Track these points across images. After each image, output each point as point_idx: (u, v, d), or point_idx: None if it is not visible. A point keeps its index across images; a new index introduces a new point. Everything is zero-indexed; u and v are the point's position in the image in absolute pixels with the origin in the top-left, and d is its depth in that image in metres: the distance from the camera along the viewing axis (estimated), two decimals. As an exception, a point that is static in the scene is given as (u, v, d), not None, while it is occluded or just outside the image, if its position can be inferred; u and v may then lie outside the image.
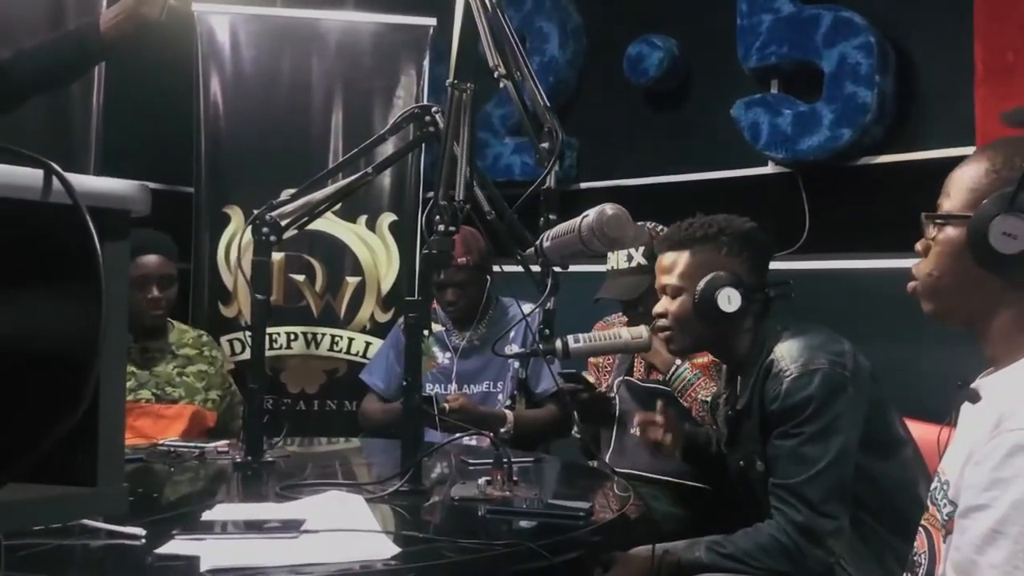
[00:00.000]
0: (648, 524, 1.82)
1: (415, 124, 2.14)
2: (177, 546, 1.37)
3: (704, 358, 2.44)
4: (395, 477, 1.83)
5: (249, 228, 2.16)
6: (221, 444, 2.26)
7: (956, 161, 1.26)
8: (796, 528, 1.76)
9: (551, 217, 1.74)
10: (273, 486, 1.89)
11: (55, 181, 0.68)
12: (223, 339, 3.39)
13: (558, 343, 1.82)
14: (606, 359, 2.69)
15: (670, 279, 1.99)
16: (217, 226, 3.51)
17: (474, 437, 2.49)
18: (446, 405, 2.63)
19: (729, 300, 1.89)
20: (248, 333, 2.22)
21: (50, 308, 0.73)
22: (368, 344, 3.49)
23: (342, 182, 2.28)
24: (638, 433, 2.48)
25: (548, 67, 3.65)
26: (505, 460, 1.78)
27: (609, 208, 1.55)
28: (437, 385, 2.88)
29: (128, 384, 2.62)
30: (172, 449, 2.24)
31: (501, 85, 1.84)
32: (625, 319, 2.59)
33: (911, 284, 1.28)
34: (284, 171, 3.24)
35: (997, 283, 1.17)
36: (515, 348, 2.46)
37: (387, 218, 3.57)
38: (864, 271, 2.94)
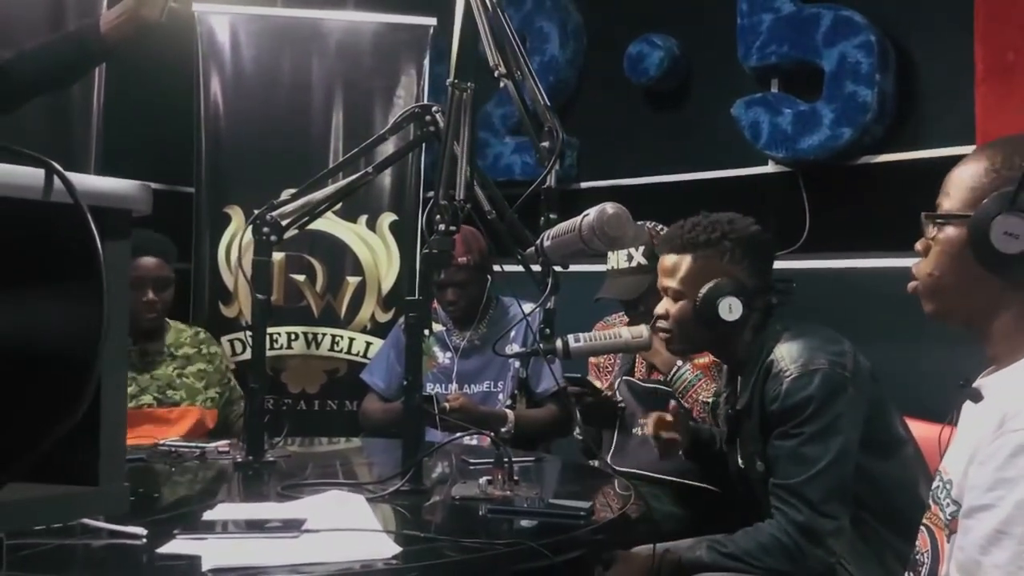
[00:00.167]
0: (649, 523, 1.82)
1: (415, 124, 2.14)
2: (178, 546, 1.37)
3: (705, 358, 2.44)
4: (396, 477, 1.83)
5: (250, 228, 2.16)
6: (222, 444, 2.26)
7: (956, 160, 1.26)
8: (797, 528, 1.76)
9: (551, 216, 1.75)
10: (274, 486, 1.89)
11: (56, 180, 0.68)
12: (224, 339, 3.39)
13: (558, 342, 1.82)
14: (607, 359, 2.69)
15: (672, 282, 1.98)
16: (218, 226, 3.51)
17: (475, 437, 2.49)
18: (447, 405, 2.63)
19: (730, 309, 1.89)
20: (249, 333, 2.22)
21: (51, 308, 0.74)
22: (369, 344, 3.49)
23: (342, 182, 2.28)
24: (640, 432, 2.48)
25: (548, 67, 3.65)
26: (506, 460, 1.78)
27: (610, 207, 1.55)
28: (438, 385, 2.88)
29: (129, 390, 2.62)
30: (173, 449, 2.24)
31: (501, 85, 1.84)
32: (626, 319, 2.59)
33: (911, 284, 1.28)
34: (284, 171, 3.24)
35: (998, 283, 1.17)
36: (516, 348, 2.46)
37: (387, 218, 3.57)
38: (864, 270, 2.94)
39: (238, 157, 3.52)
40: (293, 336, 3.49)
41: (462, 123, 1.81)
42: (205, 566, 1.27)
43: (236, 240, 3.45)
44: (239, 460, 2.12)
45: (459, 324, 2.94)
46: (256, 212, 2.15)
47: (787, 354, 1.84)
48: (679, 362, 2.40)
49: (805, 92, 3.04)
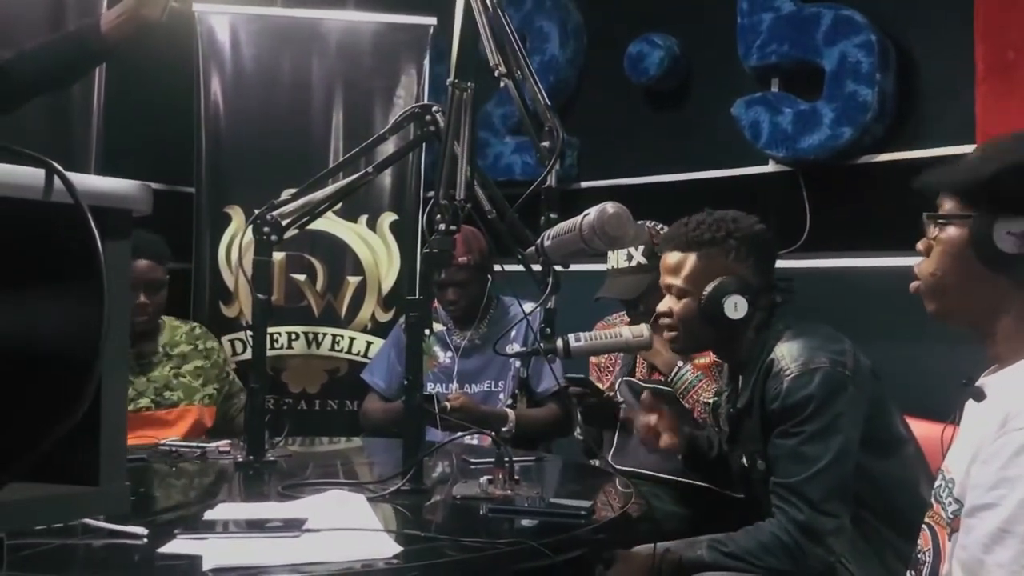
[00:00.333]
0: (649, 523, 1.83)
1: (415, 123, 2.14)
2: (179, 545, 1.37)
3: (706, 359, 2.44)
4: (397, 476, 1.83)
5: (250, 228, 2.16)
6: (223, 444, 2.26)
7: (957, 160, 1.26)
8: (797, 527, 1.76)
9: (552, 216, 1.75)
10: (275, 485, 1.89)
11: (57, 180, 0.68)
12: (224, 339, 3.39)
13: (559, 342, 1.82)
14: (607, 359, 2.69)
15: (676, 280, 1.98)
16: (218, 226, 3.51)
17: (475, 436, 2.49)
18: (447, 404, 2.63)
19: (736, 307, 1.89)
20: (249, 333, 2.22)
21: (52, 308, 0.73)
22: (369, 344, 3.49)
23: (343, 182, 2.28)
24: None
25: (548, 66, 3.65)
26: (506, 459, 1.78)
27: (610, 207, 1.55)
28: (438, 384, 2.88)
29: None
30: (174, 449, 2.24)
31: (502, 84, 1.84)
32: (628, 319, 2.59)
33: (914, 284, 1.28)
34: (285, 171, 3.24)
35: (1001, 282, 1.17)
36: (516, 347, 2.46)
37: (388, 218, 3.57)
38: (865, 269, 2.94)
39: (238, 157, 3.52)
40: (294, 336, 3.49)
41: (462, 123, 1.81)
42: (206, 566, 1.27)
43: (236, 240, 3.45)
44: (240, 460, 2.12)
45: (460, 324, 2.94)
46: (256, 212, 2.15)
47: (788, 353, 1.84)
48: (680, 362, 2.40)
49: (805, 91, 3.04)
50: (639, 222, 2.48)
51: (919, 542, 1.25)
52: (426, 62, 3.63)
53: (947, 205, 1.23)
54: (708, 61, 3.38)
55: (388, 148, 2.55)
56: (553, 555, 1.39)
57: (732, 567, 1.79)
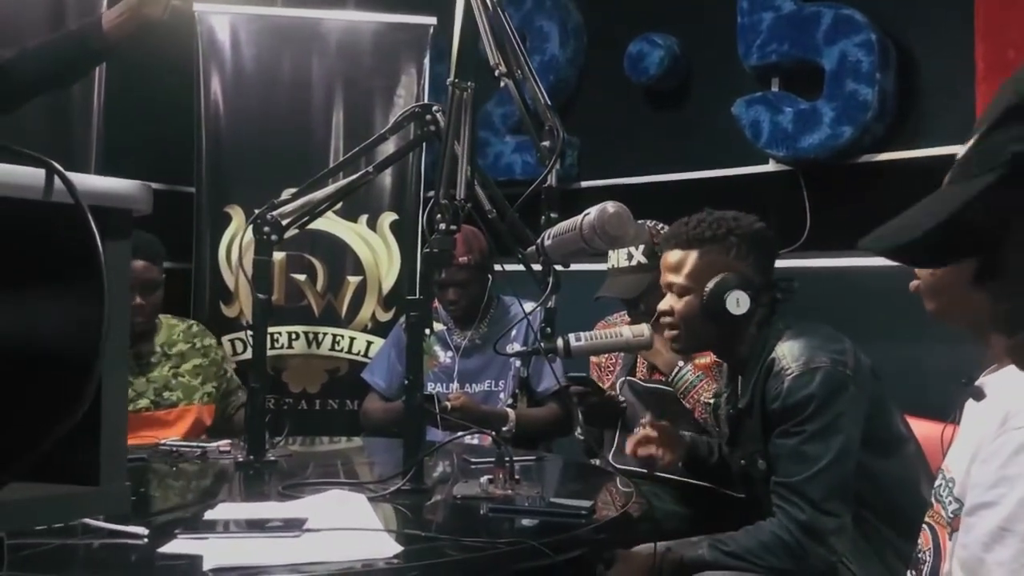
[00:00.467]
0: (650, 522, 1.83)
1: (416, 123, 2.14)
2: (180, 545, 1.37)
3: (706, 359, 2.44)
4: (397, 476, 1.83)
5: (250, 228, 2.16)
6: (223, 444, 2.26)
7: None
8: (798, 526, 1.76)
9: (552, 215, 1.75)
10: (275, 485, 1.89)
11: (57, 180, 0.68)
12: (224, 339, 3.39)
13: (559, 341, 1.82)
14: (608, 359, 2.69)
15: (677, 278, 1.98)
16: (218, 226, 3.51)
17: (476, 436, 2.49)
18: (448, 404, 2.63)
19: (738, 303, 1.89)
20: (249, 333, 2.22)
21: (52, 308, 0.73)
22: (369, 343, 3.49)
23: (343, 181, 2.28)
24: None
25: (548, 66, 3.65)
26: (507, 459, 1.78)
27: (611, 206, 1.55)
28: (439, 384, 2.88)
29: None
30: (174, 449, 2.24)
31: (502, 84, 1.84)
32: (628, 319, 2.59)
33: (913, 283, 1.28)
34: (285, 170, 3.24)
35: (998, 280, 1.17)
36: (517, 347, 2.46)
37: (388, 217, 3.57)
38: (865, 269, 2.93)
39: (238, 156, 3.52)
40: (294, 336, 3.49)
41: (463, 122, 1.81)
42: (206, 566, 1.27)
43: (237, 240, 3.44)
44: (240, 460, 2.12)
45: (460, 323, 2.94)
46: (257, 212, 2.16)
47: (788, 352, 1.84)
48: (680, 362, 2.40)
49: (806, 91, 3.04)
50: (639, 221, 2.48)
51: (919, 542, 1.25)
52: (426, 62, 3.63)
53: None
54: (708, 60, 3.38)
55: (388, 148, 2.55)
56: (553, 555, 1.39)
57: (733, 566, 1.79)
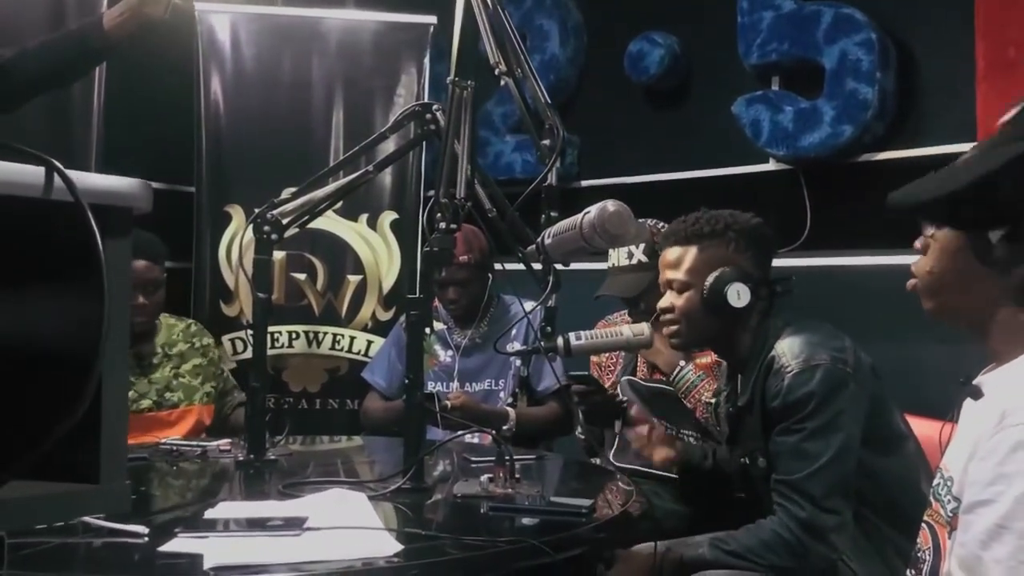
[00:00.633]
0: (650, 521, 1.83)
1: (416, 122, 2.14)
2: (180, 544, 1.37)
3: (707, 358, 2.44)
4: (397, 475, 1.83)
5: (250, 227, 2.16)
6: (223, 443, 2.26)
7: (958, 158, 1.26)
8: (799, 524, 1.76)
9: (552, 214, 1.74)
10: (275, 484, 1.89)
11: (56, 178, 0.68)
12: (225, 338, 3.39)
13: (559, 340, 1.82)
14: (608, 358, 2.69)
15: (676, 274, 1.98)
16: (218, 225, 3.51)
17: (476, 435, 2.49)
18: (448, 403, 2.63)
19: (739, 295, 1.89)
20: (250, 332, 2.22)
21: (52, 306, 0.73)
22: (370, 343, 3.50)
23: (343, 180, 2.28)
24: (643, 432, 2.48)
25: (549, 65, 3.65)
26: (507, 457, 1.78)
27: (611, 205, 1.55)
28: (439, 383, 2.88)
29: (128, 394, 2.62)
30: (174, 448, 2.24)
31: (502, 83, 1.84)
32: (629, 318, 2.59)
33: (911, 282, 1.28)
34: (285, 170, 3.24)
35: (997, 278, 1.17)
36: (517, 346, 2.46)
37: (388, 216, 3.57)
38: (865, 267, 2.94)
39: (239, 156, 3.52)
40: (294, 335, 3.49)
41: (463, 121, 1.81)
42: (207, 564, 1.27)
43: (237, 239, 3.45)
44: (240, 459, 2.12)
45: (460, 322, 2.94)
46: (257, 211, 2.16)
47: (788, 350, 1.84)
48: (682, 362, 2.40)
49: (806, 90, 3.04)
50: (640, 220, 2.48)
51: (919, 540, 1.25)
52: (426, 61, 3.63)
53: None
54: (708, 60, 3.38)
55: (388, 147, 2.55)
56: (554, 553, 1.39)
57: (734, 565, 1.79)
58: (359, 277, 3.54)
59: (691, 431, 2.44)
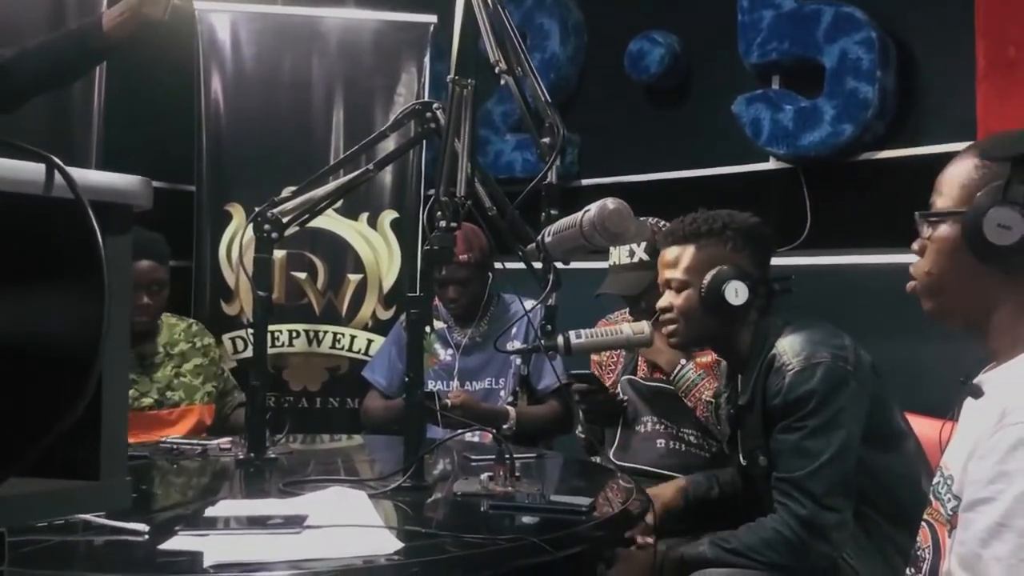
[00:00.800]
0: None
1: (416, 121, 2.14)
2: (180, 542, 1.37)
3: (707, 357, 2.44)
4: (398, 473, 1.83)
5: (251, 226, 2.16)
6: (224, 441, 2.26)
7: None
8: (800, 522, 1.76)
9: (552, 213, 1.74)
10: (276, 482, 1.89)
11: (57, 175, 0.68)
12: (225, 337, 3.39)
13: (560, 339, 1.82)
14: (609, 356, 2.69)
15: (675, 273, 1.99)
16: (219, 224, 3.51)
17: (476, 433, 2.49)
18: (448, 401, 2.63)
19: (736, 293, 1.90)
20: (250, 331, 2.22)
21: (52, 303, 0.73)
22: (370, 342, 3.50)
23: (343, 179, 2.28)
24: (642, 431, 2.48)
25: (549, 64, 3.65)
26: (507, 456, 1.78)
27: (611, 203, 1.55)
28: (439, 382, 2.88)
29: (130, 393, 2.62)
30: (175, 446, 2.25)
31: (502, 81, 1.84)
32: (630, 316, 2.59)
33: (910, 284, 1.28)
34: (285, 169, 3.23)
35: (996, 277, 1.17)
36: (517, 344, 2.46)
37: (388, 215, 3.57)
38: (865, 266, 2.94)
39: (239, 155, 3.52)
40: (294, 334, 3.50)
41: (463, 120, 1.81)
42: (207, 562, 1.27)
43: (237, 238, 3.45)
44: (241, 457, 2.12)
45: (460, 321, 2.94)
46: (257, 210, 2.16)
47: (789, 348, 1.84)
48: (682, 361, 2.40)
49: (806, 89, 3.04)
50: (640, 219, 2.48)
51: (919, 539, 1.25)
52: (426, 60, 3.63)
53: (939, 203, 1.23)
54: (709, 58, 3.38)
55: (389, 145, 2.54)
56: (554, 551, 1.39)
57: (735, 563, 1.79)
58: (359, 276, 3.54)
59: (691, 430, 2.44)
